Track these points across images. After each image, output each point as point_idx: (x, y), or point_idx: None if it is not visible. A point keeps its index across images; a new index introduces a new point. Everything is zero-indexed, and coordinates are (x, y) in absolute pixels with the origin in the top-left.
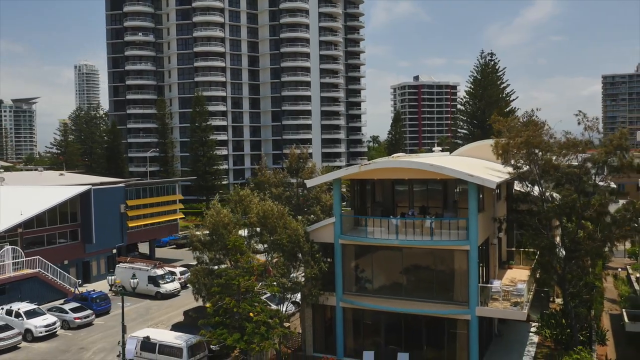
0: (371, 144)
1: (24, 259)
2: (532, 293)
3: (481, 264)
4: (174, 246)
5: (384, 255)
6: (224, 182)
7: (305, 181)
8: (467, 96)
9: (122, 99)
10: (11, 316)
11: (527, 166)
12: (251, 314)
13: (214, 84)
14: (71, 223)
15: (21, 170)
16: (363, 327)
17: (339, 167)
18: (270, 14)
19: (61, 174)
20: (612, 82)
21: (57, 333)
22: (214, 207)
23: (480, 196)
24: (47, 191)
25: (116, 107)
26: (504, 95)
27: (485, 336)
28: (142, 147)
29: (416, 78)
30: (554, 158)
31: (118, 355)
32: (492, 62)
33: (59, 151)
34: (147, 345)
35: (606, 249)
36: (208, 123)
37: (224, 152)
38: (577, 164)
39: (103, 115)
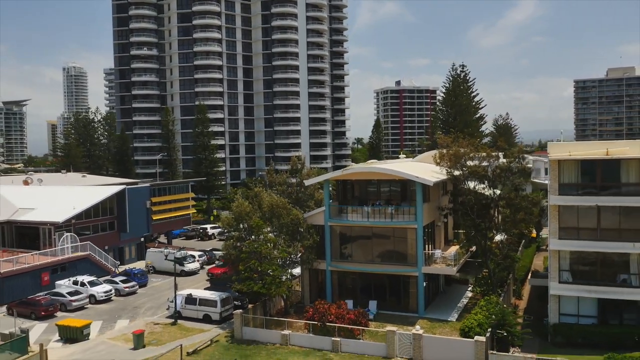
0: (355, 145)
1: (78, 243)
2: (462, 259)
3: (426, 239)
4: (184, 237)
5: (360, 233)
6: (222, 183)
7: (304, 181)
8: (440, 104)
9: (129, 107)
10: (77, 285)
11: (459, 170)
12: (270, 272)
13: (212, 94)
14: (109, 216)
15: (23, 172)
16: (345, 287)
17: (326, 169)
18: (263, 30)
19: (83, 176)
20: (583, 86)
21: (112, 298)
22: (237, 200)
23: (427, 191)
24: (89, 190)
25: (123, 115)
26: (473, 103)
27: (433, 292)
28: (147, 151)
29: (398, 83)
30: (475, 164)
31: (167, 308)
32: (463, 74)
33: (62, 154)
34: (190, 299)
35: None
36: (209, 130)
37: (222, 155)
38: (492, 167)
39: (101, 119)
